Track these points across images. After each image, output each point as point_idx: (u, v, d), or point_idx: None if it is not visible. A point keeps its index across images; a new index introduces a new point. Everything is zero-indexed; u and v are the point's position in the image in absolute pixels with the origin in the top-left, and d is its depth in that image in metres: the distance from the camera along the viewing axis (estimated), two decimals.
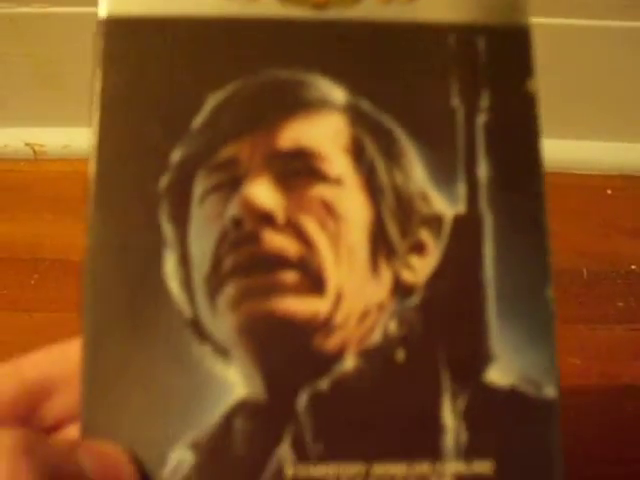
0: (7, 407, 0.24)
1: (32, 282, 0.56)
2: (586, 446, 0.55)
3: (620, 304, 0.60)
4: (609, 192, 0.64)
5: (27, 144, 0.57)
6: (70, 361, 0.24)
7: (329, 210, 0.23)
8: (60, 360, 0.25)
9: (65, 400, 0.24)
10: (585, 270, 0.61)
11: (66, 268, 0.56)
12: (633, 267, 0.61)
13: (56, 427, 0.24)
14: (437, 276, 0.23)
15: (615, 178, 0.63)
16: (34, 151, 0.57)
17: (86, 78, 0.53)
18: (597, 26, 0.52)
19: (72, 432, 0.25)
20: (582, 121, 0.59)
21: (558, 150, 0.61)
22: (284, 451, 0.22)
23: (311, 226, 0.23)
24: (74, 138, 0.57)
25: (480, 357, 0.23)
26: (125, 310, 0.22)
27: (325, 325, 0.22)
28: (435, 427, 0.22)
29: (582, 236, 0.62)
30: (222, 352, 0.22)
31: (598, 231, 0.62)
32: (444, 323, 0.23)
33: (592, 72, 0.56)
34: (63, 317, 0.54)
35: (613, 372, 0.59)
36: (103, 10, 0.24)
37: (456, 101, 0.24)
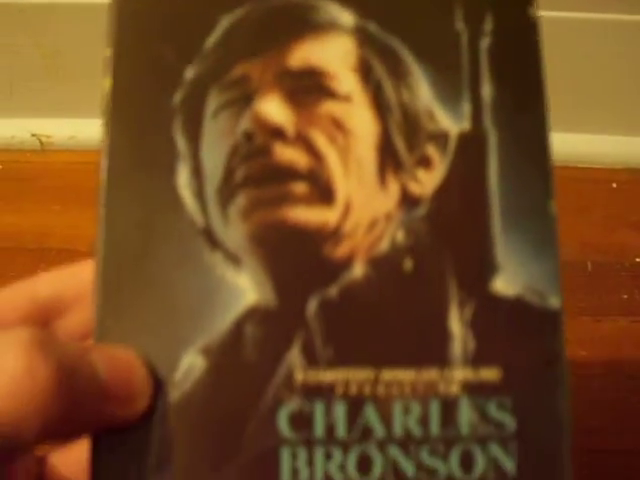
0: (21, 322, 0.24)
1: (39, 272, 0.56)
2: (589, 436, 0.55)
3: (624, 296, 0.60)
4: (614, 185, 0.64)
5: (34, 135, 0.58)
6: (82, 281, 0.25)
7: (338, 125, 0.23)
8: (72, 280, 0.25)
9: (77, 318, 0.25)
10: (590, 263, 0.61)
11: (73, 258, 0.56)
12: (638, 260, 0.61)
13: None
14: (443, 189, 0.24)
15: (620, 172, 0.64)
16: (41, 142, 0.58)
17: (93, 70, 0.54)
18: (604, 19, 0.53)
19: None
20: (587, 115, 0.60)
21: (563, 144, 0.62)
22: (294, 356, 0.22)
23: (320, 140, 0.23)
24: (81, 129, 0.58)
25: (486, 267, 0.23)
26: (139, 219, 0.23)
27: (334, 234, 0.23)
28: (443, 335, 0.23)
29: (587, 229, 0.63)
30: (233, 260, 0.23)
31: (603, 224, 0.63)
32: (450, 234, 0.23)
33: (597, 66, 0.57)
34: None
35: (617, 363, 0.59)
36: None
37: (460, 25, 0.24)
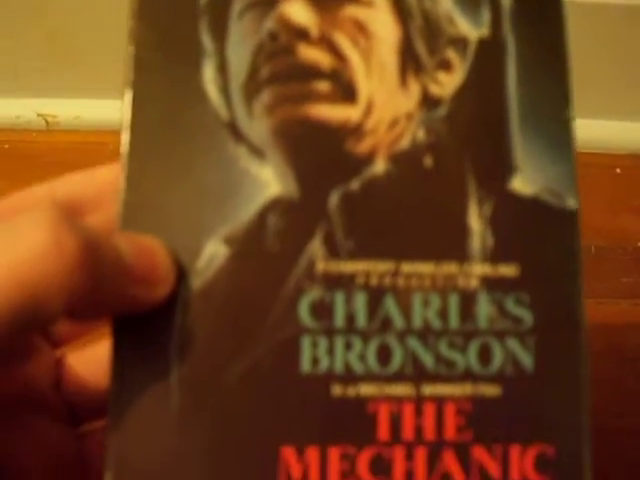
0: None
1: None
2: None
3: (626, 280, 0.61)
4: (618, 171, 0.65)
5: (39, 115, 0.58)
6: (100, 183, 0.25)
7: (361, 28, 0.24)
8: (90, 182, 0.25)
9: (97, 218, 0.25)
10: (593, 246, 0.62)
11: None
12: None
13: None
14: (463, 92, 0.24)
15: (624, 157, 0.65)
16: (46, 122, 0.58)
17: (99, 50, 0.55)
18: (608, 3, 0.54)
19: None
20: (591, 100, 0.61)
21: None
22: (315, 247, 0.23)
23: (343, 42, 0.24)
24: (86, 109, 0.58)
25: (504, 167, 0.24)
26: (164, 112, 0.23)
27: (356, 130, 0.23)
28: (462, 230, 0.23)
29: (591, 213, 0.63)
30: (257, 153, 0.23)
31: (606, 209, 0.63)
32: (470, 134, 0.24)
33: (601, 51, 0.58)
34: None
35: (618, 345, 0.59)
36: None
37: None
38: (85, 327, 0.27)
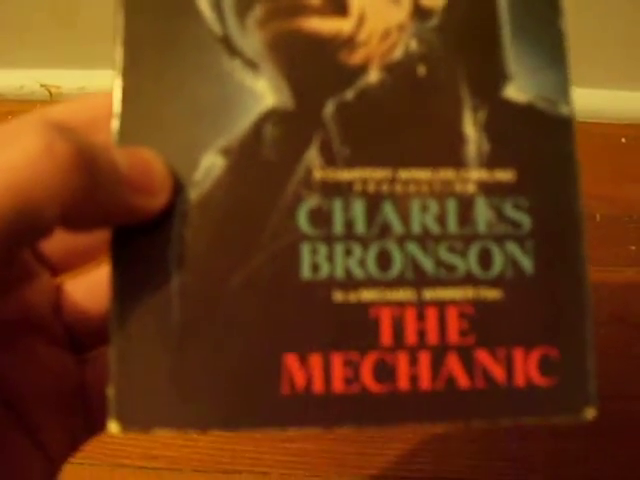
0: None
1: None
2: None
3: (632, 248, 0.61)
4: (623, 140, 0.65)
5: (43, 85, 0.59)
6: (94, 107, 0.25)
7: None
8: (87, 107, 0.25)
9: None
10: (598, 215, 0.62)
11: None
12: None
13: None
14: (454, 2, 0.24)
15: (630, 127, 0.65)
16: (50, 92, 0.59)
17: (102, 20, 0.55)
18: None
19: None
20: (596, 70, 0.61)
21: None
22: (312, 156, 0.23)
23: None
24: (90, 80, 0.58)
25: (497, 75, 0.24)
26: (158, 28, 0.23)
27: (349, 42, 0.23)
28: (457, 137, 0.23)
29: (596, 182, 0.63)
30: (252, 66, 0.23)
31: (612, 178, 0.64)
32: (462, 43, 0.24)
33: (606, 21, 0.58)
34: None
35: (622, 313, 0.59)
36: None
37: None
38: (83, 254, 0.27)
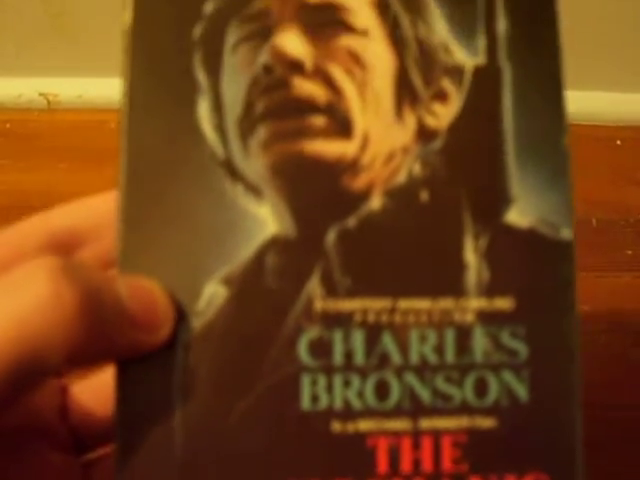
0: (38, 253, 0.24)
1: None
2: (594, 391, 0.56)
3: (629, 252, 0.61)
4: (619, 143, 0.65)
5: (41, 94, 0.58)
6: (98, 213, 0.25)
7: (355, 59, 0.24)
8: (88, 212, 0.25)
9: (95, 249, 0.25)
10: (594, 219, 0.62)
11: None
12: None
13: None
14: (459, 123, 0.24)
15: (625, 129, 0.64)
16: (48, 101, 0.58)
17: (101, 29, 0.54)
18: None
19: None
20: (591, 72, 0.60)
21: (568, 101, 0.62)
22: (314, 286, 0.23)
23: (338, 73, 0.24)
24: (88, 88, 0.58)
25: (500, 199, 0.24)
26: (160, 151, 0.23)
27: (352, 166, 0.23)
28: (458, 265, 0.23)
29: (592, 186, 0.63)
30: (254, 191, 0.23)
31: (608, 181, 0.63)
32: (466, 166, 0.24)
33: (601, 22, 0.57)
34: None
35: (620, 318, 0.59)
36: None
37: None
38: None
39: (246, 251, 0.23)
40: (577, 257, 0.62)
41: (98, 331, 0.20)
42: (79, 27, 0.56)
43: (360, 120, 0.23)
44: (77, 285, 0.20)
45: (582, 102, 0.62)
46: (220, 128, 0.23)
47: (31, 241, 0.25)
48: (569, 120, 0.24)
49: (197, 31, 0.24)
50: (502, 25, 0.24)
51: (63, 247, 0.25)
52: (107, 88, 0.57)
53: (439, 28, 0.24)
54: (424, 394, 0.23)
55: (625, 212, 0.63)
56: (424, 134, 0.24)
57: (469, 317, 0.23)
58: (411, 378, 0.23)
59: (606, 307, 0.60)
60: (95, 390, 0.27)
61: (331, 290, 0.23)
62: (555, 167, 0.24)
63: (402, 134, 0.24)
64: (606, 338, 0.58)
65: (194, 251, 0.23)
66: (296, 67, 0.24)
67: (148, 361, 0.22)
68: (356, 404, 0.23)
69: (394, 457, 0.23)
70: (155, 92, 0.23)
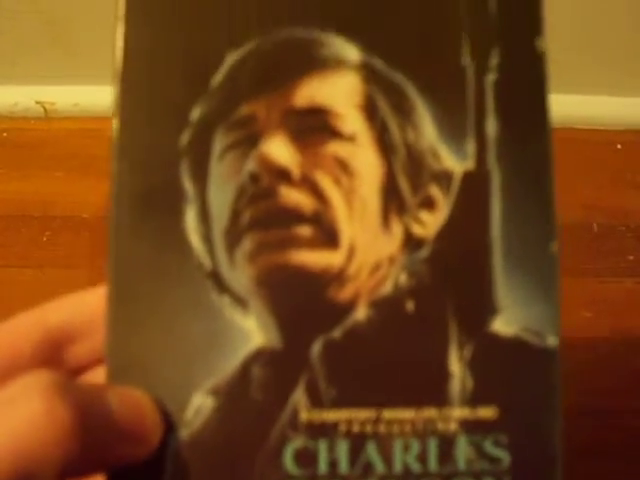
0: (33, 351, 0.25)
1: (44, 239, 0.57)
2: (595, 397, 0.56)
3: (630, 257, 0.61)
4: (619, 147, 0.64)
5: (38, 102, 0.58)
6: (91, 309, 0.25)
7: (343, 166, 0.24)
8: (82, 308, 0.26)
9: (88, 345, 0.26)
10: (595, 224, 0.62)
11: (77, 225, 0.57)
12: None
13: (79, 371, 0.26)
14: (446, 231, 0.24)
15: (625, 133, 0.64)
16: (45, 109, 0.58)
17: (97, 37, 0.53)
18: None
19: (94, 375, 0.26)
20: (592, 76, 0.59)
21: (568, 105, 0.61)
22: (299, 397, 0.23)
23: (325, 182, 0.23)
24: (84, 96, 0.57)
25: (486, 309, 0.24)
26: (148, 262, 0.23)
27: (338, 277, 0.23)
28: (442, 374, 0.23)
29: (593, 190, 0.63)
30: (240, 302, 0.23)
31: (608, 185, 0.63)
32: (452, 275, 0.24)
33: (602, 27, 0.56)
34: (75, 273, 0.55)
35: (623, 325, 0.59)
36: None
37: (467, 59, 0.24)
38: None
39: (232, 363, 0.23)
40: (578, 263, 0.62)
41: (90, 446, 0.21)
42: (75, 35, 0.56)
43: (346, 230, 0.24)
44: (70, 402, 0.20)
45: (582, 106, 0.62)
46: (207, 239, 0.23)
47: (27, 338, 0.25)
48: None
49: (184, 138, 0.24)
50: (492, 127, 0.24)
51: (57, 342, 0.26)
52: (104, 96, 0.57)
53: (428, 131, 0.24)
54: None
55: (626, 217, 0.63)
56: (411, 243, 0.24)
57: (452, 426, 0.23)
58: None
59: (608, 313, 0.60)
60: None
61: (316, 401, 0.23)
62: (542, 275, 0.24)
63: (389, 243, 0.24)
64: (608, 344, 0.59)
65: (182, 361, 0.23)
66: (283, 176, 0.23)
67: (138, 471, 0.23)
68: None
69: None
70: (143, 201, 0.23)
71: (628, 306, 0.60)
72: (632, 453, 0.57)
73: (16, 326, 0.26)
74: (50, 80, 0.57)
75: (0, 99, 0.57)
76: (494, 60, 0.24)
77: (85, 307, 0.26)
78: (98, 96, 0.56)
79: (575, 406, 0.55)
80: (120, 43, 0.24)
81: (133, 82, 0.24)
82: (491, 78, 0.24)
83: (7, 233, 0.56)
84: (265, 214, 0.23)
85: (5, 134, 0.58)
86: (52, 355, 0.26)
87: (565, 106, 0.61)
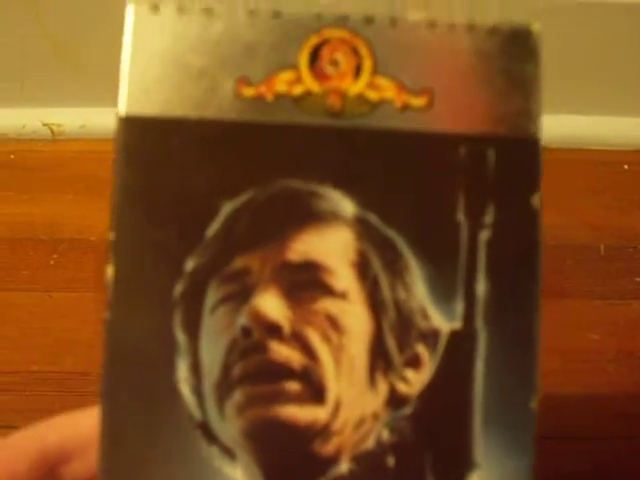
0: (30, 470, 0.26)
1: (51, 262, 0.57)
2: (605, 421, 0.57)
3: (637, 279, 0.60)
4: (626, 167, 0.63)
5: (45, 124, 0.58)
6: (88, 430, 0.26)
7: (333, 323, 0.24)
8: (77, 429, 0.27)
9: (83, 465, 0.27)
10: (602, 246, 0.61)
11: (85, 248, 0.57)
12: None
13: None
14: (429, 389, 0.25)
15: (632, 153, 0.63)
16: (52, 131, 0.58)
17: (103, 59, 0.53)
18: (616, 1, 0.52)
19: None
20: (598, 97, 0.59)
21: (574, 126, 0.61)
22: None
23: (315, 338, 0.24)
24: (92, 118, 0.57)
25: (463, 465, 0.24)
26: (140, 411, 0.24)
27: (323, 432, 0.24)
28: None
29: (599, 212, 0.62)
30: (229, 453, 0.24)
31: (615, 206, 0.62)
32: (432, 432, 0.24)
33: (610, 48, 0.56)
34: (82, 296, 0.56)
35: (631, 347, 0.59)
36: (122, 109, 0.25)
37: (461, 216, 0.25)
38: None
39: None
40: (585, 285, 0.61)
41: None
42: (82, 58, 0.56)
43: (333, 386, 0.24)
44: None
45: (589, 127, 0.62)
46: (198, 391, 0.24)
47: (23, 457, 0.26)
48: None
49: (178, 289, 0.24)
50: (482, 288, 0.25)
51: (53, 461, 0.27)
52: (111, 118, 0.57)
53: (418, 290, 0.24)
54: None
55: (633, 238, 0.62)
56: (395, 400, 0.24)
57: None
58: None
59: (616, 336, 0.59)
60: None
61: None
62: (520, 431, 0.25)
63: (373, 400, 0.24)
64: (616, 367, 0.58)
65: None
66: (274, 331, 0.24)
67: None
68: None
69: None
70: (135, 351, 0.24)
71: (635, 328, 0.60)
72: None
73: (14, 444, 0.27)
74: (57, 102, 0.57)
75: (8, 121, 0.57)
76: (489, 218, 0.25)
77: (80, 428, 0.27)
78: (105, 118, 0.55)
79: (580, 430, 0.55)
80: (117, 186, 0.24)
81: (128, 227, 0.24)
82: (485, 236, 0.25)
83: (15, 256, 0.56)
84: (255, 368, 0.24)
85: (12, 156, 0.58)
86: (48, 472, 0.27)
87: (572, 126, 0.61)
